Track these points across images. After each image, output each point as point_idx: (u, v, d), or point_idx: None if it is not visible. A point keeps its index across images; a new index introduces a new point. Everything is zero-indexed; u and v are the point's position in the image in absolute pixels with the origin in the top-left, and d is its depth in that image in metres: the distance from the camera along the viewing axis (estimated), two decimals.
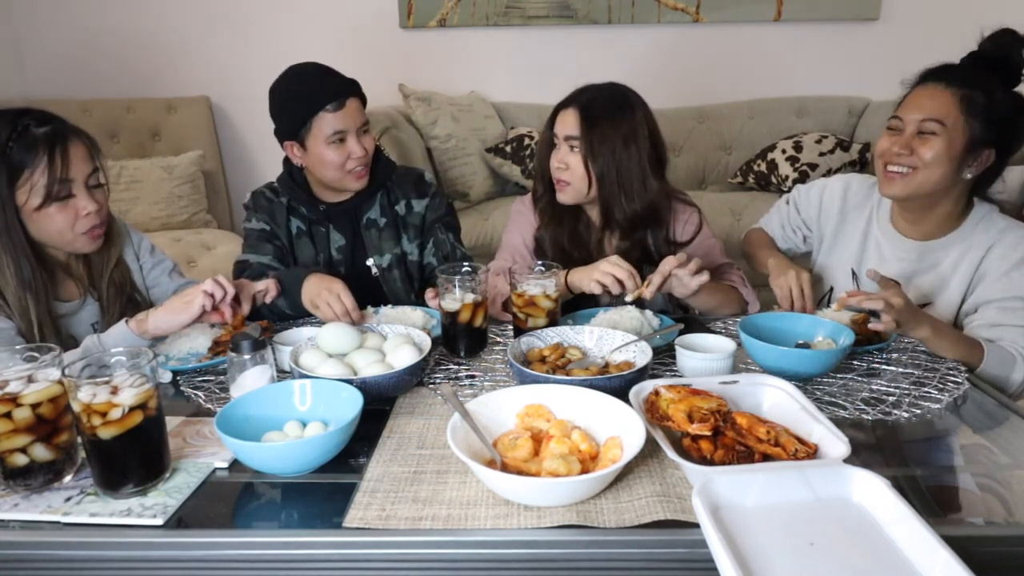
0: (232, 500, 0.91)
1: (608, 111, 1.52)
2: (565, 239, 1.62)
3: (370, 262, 1.67)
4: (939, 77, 1.39)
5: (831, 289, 1.61)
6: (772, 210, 1.79)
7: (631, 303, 1.39)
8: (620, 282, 1.37)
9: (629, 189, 1.53)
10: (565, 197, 1.58)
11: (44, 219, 1.30)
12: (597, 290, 1.40)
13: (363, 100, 1.58)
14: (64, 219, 1.31)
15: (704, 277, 1.37)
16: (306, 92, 1.53)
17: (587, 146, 1.51)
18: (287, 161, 1.64)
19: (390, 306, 1.49)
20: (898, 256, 1.49)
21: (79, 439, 0.93)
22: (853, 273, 1.57)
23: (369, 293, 1.59)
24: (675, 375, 1.23)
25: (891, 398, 1.15)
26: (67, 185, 1.29)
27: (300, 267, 1.60)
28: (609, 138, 1.51)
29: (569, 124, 1.53)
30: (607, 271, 1.38)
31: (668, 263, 1.36)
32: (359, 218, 1.67)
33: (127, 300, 1.49)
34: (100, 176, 1.36)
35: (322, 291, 1.37)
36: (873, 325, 1.25)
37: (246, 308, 1.38)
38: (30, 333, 1.30)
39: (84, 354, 1.21)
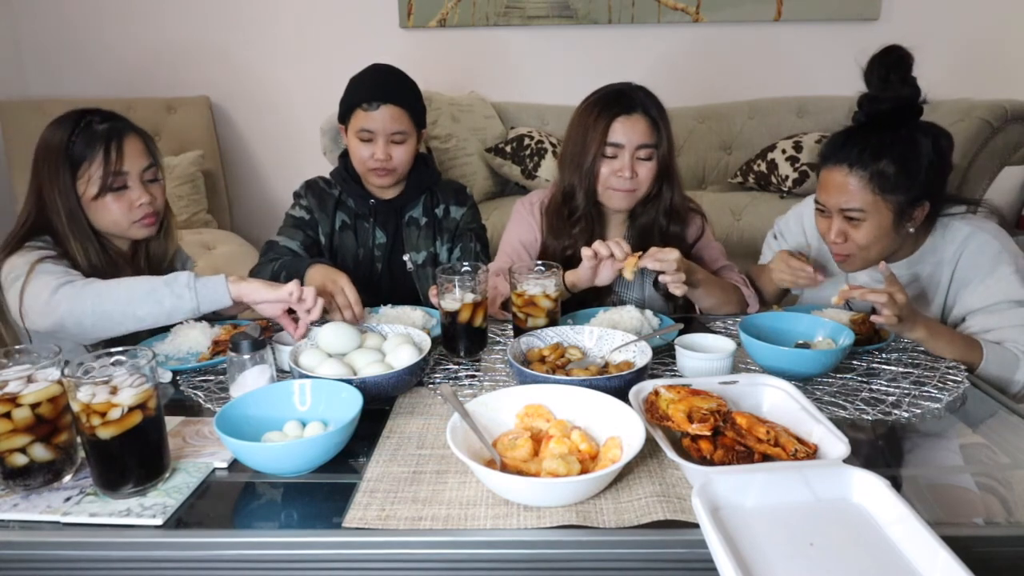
0: (232, 500, 0.91)
1: (663, 113, 1.54)
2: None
3: (406, 257, 1.73)
4: (843, 158, 1.34)
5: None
6: (764, 248, 1.80)
7: (626, 274, 1.38)
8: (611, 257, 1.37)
9: (677, 187, 1.59)
10: (628, 203, 1.57)
11: (101, 208, 1.40)
12: (589, 254, 1.38)
13: (410, 111, 1.62)
14: (119, 208, 1.40)
15: (678, 291, 1.37)
16: (356, 87, 1.64)
17: (663, 152, 1.53)
18: (344, 156, 1.71)
19: (390, 306, 1.49)
20: (875, 279, 1.49)
21: (78, 439, 0.93)
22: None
23: (403, 287, 1.72)
24: (675, 375, 1.23)
25: (891, 398, 1.15)
26: (122, 177, 1.39)
27: (304, 257, 1.62)
28: (672, 141, 1.54)
29: (640, 133, 1.51)
30: (604, 242, 1.37)
31: (671, 255, 1.35)
32: (402, 216, 1.73)
33: None
34: (156, 172, 1.46)
35: (327, 283, 1.38)
36: (875, 318, 1.25)
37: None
38: None
39: (173, 280, 1.25)
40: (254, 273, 1.60)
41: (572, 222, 1.60)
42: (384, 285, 1.71)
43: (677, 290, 1.37)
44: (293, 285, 1.24)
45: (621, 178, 1.52)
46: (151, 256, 1.54)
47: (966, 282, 1.40)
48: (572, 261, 1.56)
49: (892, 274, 1.30)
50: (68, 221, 1.38)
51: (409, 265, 1.73)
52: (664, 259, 1.35)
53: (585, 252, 1.38)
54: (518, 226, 1.70)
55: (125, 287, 1.25)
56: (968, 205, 1.45)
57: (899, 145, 1.32)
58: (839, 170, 1.35)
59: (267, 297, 1.26)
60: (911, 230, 1.38)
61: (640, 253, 1.36)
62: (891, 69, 1.31)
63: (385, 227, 1.72)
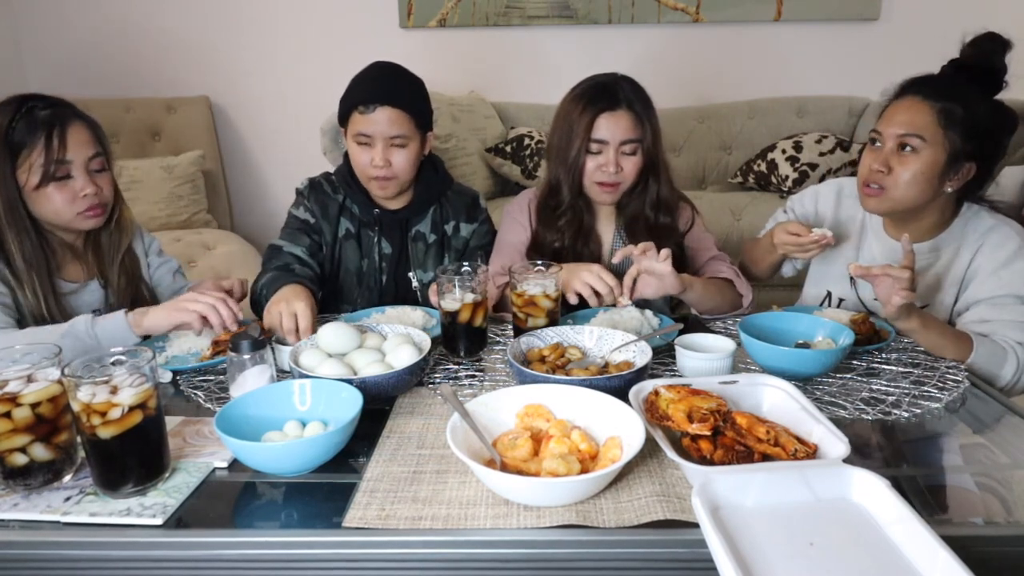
0: (232, 500, 0.91)
1: (648, 106, 1.53)
2: (580, 242, 1.60)
3: (412, 275, 1.67)
4: (918, 90, 1.38)
5: (828, 293, 1.62)
6: (770, 222, 1.79)
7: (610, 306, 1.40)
8: (597, 294, 1.37)
9: (664, 180, 1.58)
10: (613, 196, 1.57)
11: (43, 198, 1.34)
12: (574, 300, 1.40)
13: (411, 112, 1.54)
14: (62, 199, 1.34)
15: (668, 260, 1.37)
16: (353, 88, 1.55)
17: (648, 145, 1.53)
18: (348, 155, 1.62)
19: (390, 306, 1.49)
20: (890, 260, 1.49)
21: (78, 439, 0.93)
22: (852, 280, 1.56)
23: (409, 302, 1.62)
24: (675, 375, 1.23)
25: (891, 398, 1.15)
26: (65, 166, 1.33)
27: (291, 275, 1.52)
28: (658, 133, 1.53)
29: (625, 128, 1.51)
30: (587, 282, 1.37)
31: (636, 266, 1.37)
32: (408, 229, 1.67)
33: (135, 291, 1.51)
34: (104, 162, 1.40)
35: (281, 302, 1.33)
36: (900, 294, 1.23)
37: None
38: (37, 306, 1.35)
39: (71, 329, 1.25)
40: (257, 282, 1.55)
41: (558, 214, 1.60)
42: (388, 298, 1.65)
43: (667, 263, 1.38)
44: (198, 317, 1.27)
45: (606, 172, 1.52)
46: (101, 249, 1.47)
47: (978, 272, 1.40)
48: (560, 253, 1.57)
49: (912, 250, 1.29)
50: (6, 211, 1.31)
51: (414, 283, 1.67)
52: (631, 272, 1.37)
53: (572, 299, 1.39)
54: (507, 228, 1.70)
55: (28, 339, 1.23)
56: (997, 203, 1.46)
57: (973, 98, 1.34)
58: (912, 99, 1.37)
59: (173, 322, 1.29)
60: (948, 190, 1.38)
61: (620, 294, 1.37)
62: (991, 42, 1.36)
63: (391, 238, 1.65)
